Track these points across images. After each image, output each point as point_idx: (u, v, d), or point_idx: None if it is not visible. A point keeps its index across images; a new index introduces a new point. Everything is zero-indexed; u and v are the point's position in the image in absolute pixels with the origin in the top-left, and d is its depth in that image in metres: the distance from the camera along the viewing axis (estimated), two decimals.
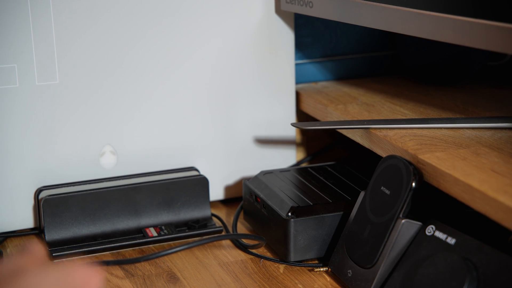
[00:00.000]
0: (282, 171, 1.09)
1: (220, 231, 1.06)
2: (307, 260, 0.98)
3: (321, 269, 0.95)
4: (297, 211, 0.97)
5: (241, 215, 1.09)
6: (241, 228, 1.08)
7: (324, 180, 1.05)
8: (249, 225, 1.08)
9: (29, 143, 1.05)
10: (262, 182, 1.05)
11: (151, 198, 1.06)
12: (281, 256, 0.98)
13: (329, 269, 0.94)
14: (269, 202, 1.00)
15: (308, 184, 1.04)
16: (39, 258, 0.70)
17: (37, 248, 0.70)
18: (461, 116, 1.03)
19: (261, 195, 1.02)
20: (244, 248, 1.02)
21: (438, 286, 0.80)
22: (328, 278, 0.94)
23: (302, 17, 1.18)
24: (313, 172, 1.08)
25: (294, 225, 0.96)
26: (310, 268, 0.97)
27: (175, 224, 1.07)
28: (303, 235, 0.96)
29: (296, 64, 1.20)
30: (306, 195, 1.00)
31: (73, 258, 1.01)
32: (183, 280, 0.95)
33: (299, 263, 0.97)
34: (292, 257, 0.97)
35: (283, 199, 0.99)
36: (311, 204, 0.98)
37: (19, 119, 1.04)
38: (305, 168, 1.10)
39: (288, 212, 0.97)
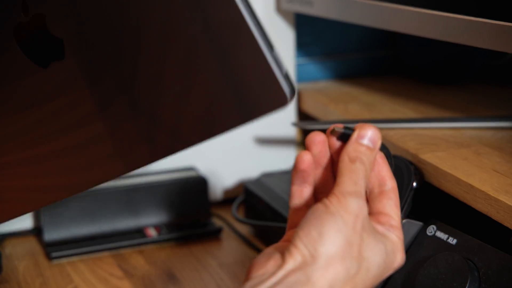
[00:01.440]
0: (283, 173, 1.09)
1: (220, 231, 1.05)
2: None
3: None
4: None
5: (241, 215, 1.09)
6: (242, 229, 1.07)
7: None
8: (250, 227, 1.07)
9: None
10: (263, 184, 1.05)
11: (151, 198, 1.06)
12: None
13: None
14: (272, 204, 1.00)
15: None
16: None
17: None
18: (462, 115, 1.02)
19: (264, 198, 1.02)
20: (249, 244, 1.02)
21: (440, 287, 0.79)
22: None
23: (302, 16, 1.17)
24: None
25: None
26: None
27: (175, 224, 1.07)
28: None
29: (297, 64, 1.20)
30: None
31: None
32: (183, 280, 0.95)
33: None
34: None
35: (286, 201, 0.99)
36: None
37: None
38: None
39: None
